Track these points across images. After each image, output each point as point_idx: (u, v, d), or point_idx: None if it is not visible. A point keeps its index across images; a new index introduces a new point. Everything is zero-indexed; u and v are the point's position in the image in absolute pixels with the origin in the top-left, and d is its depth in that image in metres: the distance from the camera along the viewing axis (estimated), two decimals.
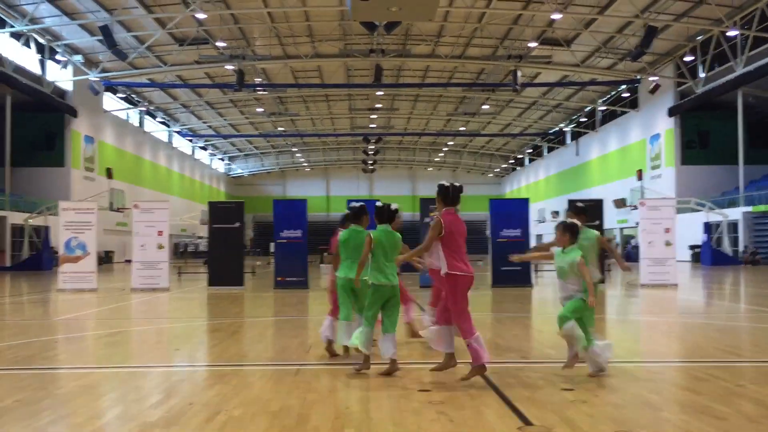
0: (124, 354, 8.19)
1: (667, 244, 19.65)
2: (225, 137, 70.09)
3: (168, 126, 62.43)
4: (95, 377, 6.65)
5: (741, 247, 38.24)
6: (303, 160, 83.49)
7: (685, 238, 36.92)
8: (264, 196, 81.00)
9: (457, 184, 6.48)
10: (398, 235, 6.77)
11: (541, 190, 72.98)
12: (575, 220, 6.62)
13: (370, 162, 77.06)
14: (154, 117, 59.66)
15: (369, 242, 6.54)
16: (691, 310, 13.94)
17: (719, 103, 42.16)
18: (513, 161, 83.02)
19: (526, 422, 4.76)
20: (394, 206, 6.75)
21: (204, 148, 75.76)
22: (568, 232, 6.47)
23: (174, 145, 65.85)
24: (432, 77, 50.21)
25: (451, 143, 76.47)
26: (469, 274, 6.18)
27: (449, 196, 6.40)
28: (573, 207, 7.54)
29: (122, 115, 53.47)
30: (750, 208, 38.53)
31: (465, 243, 6.37)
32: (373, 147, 70.36)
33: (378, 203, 6.87)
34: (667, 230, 19.68)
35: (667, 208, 20.16)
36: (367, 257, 6.58)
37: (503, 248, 18.51)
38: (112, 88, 49.28)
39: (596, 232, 7.03)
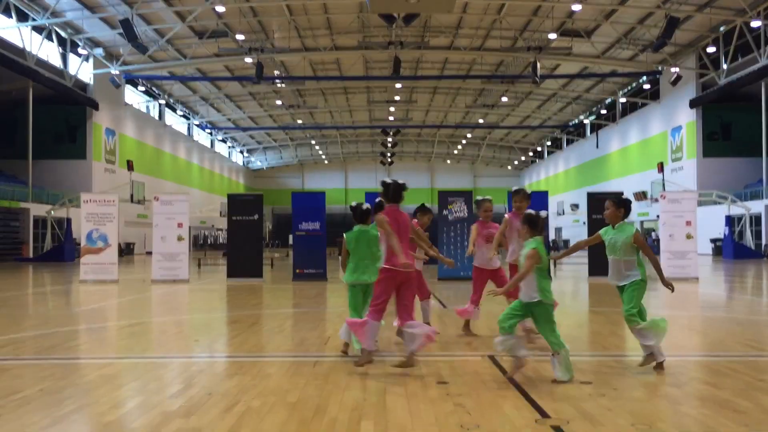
0: (145, 345, 8.28)
1: (688, 237, 19.46)
2: (244, 130, 70.38)
3: (188, 119, 62.79)
4: (116, 367, 6.73)
5: (764, 241, 37.79)
6: (321, 152, 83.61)
7: (706, 231, 36.56)
8: (283, 189, 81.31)
9: (400, 181, 6.41)
10: (374, 232, 6.68)
11: (561, 182, 72.55)
12: (623, 198, 6.37)
13: (388, 154, 76.99)
14: (174, 110, 60.03)
15: (343, 245, 6.84)
16: (712, 303, 13.80)
17: (742, 95, 41.63)
18: (532, 154, 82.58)
19: (544, 415, 4.75)
20: (365, 206, 6.78)
21: (223, 141, 76.09)
22: (623, 207, 6.27)
23: (194, 138, 66.22)
24: (450, 69, 50.04)
25: (470, 136, 76.20)
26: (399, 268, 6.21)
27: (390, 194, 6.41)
28: (615, 197, 6.66)
29: (143, 107, 53.86)
30: None
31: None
32: (391, 139, 70.29)
33: (352, 203, 6.94)
34: (688, 223, 19.48)
35: (689, 201, 19.95)
36: (345, 259, 6.84)
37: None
38: (132, 81, 49.67)
39: (634, 227, 6.44)
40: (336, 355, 7.15)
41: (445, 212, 19.81)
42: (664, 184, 41.83)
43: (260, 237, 20.09)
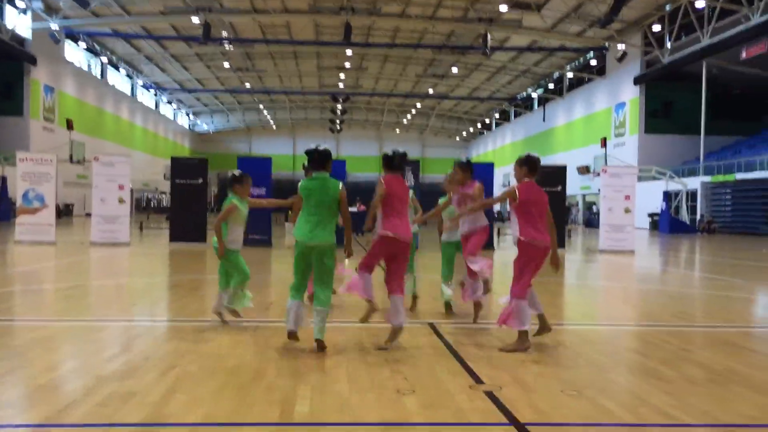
0: (82, 308, 8.12)
1: (627, 211, 19.99)
2: (190, 92, 68.86)
3: (131, 78, 61.05)
4: (51, 330, 6.59)
5: (698, 216, 39.11)
6: (270, 117, 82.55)
7: (644, 205, 37.60)
8: (229, 153, 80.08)
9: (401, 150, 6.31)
10: (335, 184, 5.84)
11: (508, 154, 73.41)
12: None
13: (337, 121, 76.52)
14: (117, 69, 58.24)
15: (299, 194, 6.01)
16: (646, 276, 14.27)
17: (684, 74, 42.65)
18: (480, 125, 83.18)
19: (478, 381, 4.86)
20: (323, 147, 6.01)
21: (168, 103, 74.38)
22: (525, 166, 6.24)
23: (137, 99, 64.52)
24: (402, 38, 49.76)
25: (419, 105, 76.21)
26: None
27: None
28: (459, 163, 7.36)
29: (84, 65, 52.08)
30: (709, 178, 39.32)
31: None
32: (340, 106, 69.82)
33: (234, 172, 6.93)
34: (627, 197, 20.00)
35: (629, 176, 20.45)
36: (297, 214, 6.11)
37: None
38: (73, 37, 47.85)
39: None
40: (278, 321, 7.15)
41: None
42: (606, 159, 42.74)
43: (204, 201, 19.83)
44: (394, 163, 6.25)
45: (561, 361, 5.60)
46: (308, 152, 5.89)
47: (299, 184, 5.94)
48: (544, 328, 6.24)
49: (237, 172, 7.07)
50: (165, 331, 6.88)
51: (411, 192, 6.73)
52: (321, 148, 5.91)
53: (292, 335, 5.80)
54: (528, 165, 6.26)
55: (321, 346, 5.72)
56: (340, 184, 5.84)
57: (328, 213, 5.77)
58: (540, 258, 6.02)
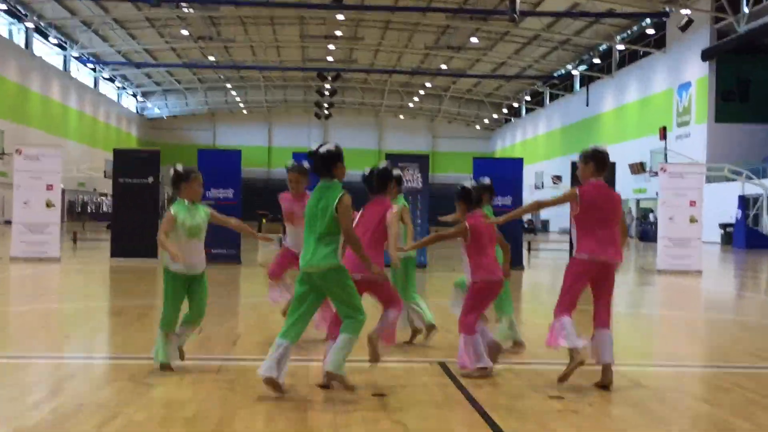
0: (0, 341, 8.16)
1: (692, 220, 20.00)
2: (138, 66, 68.91)
3: (64, 49, 61.13)
4: None
5: None
6: (239, 99, 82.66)
7: (715, 214, 37.58)
8: (187, 144, 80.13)
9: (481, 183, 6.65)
10: (204, 209, 6.64)
11: (541, 148, 73.48)
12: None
13: (325, 105, 76.62)
14: (45, 36, 58.36)
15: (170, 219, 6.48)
16: (717, 303, 14.28)
17: (766, 47, 42.68)
18: (506, 111, 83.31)
19: None
20: (181, 168, 6.61)
21: (111, 80, 74.43)
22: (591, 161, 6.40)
23: (71, 75, 64.60)
24: None
25: (429, 85, 76.35)
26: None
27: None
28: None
29: (4, 31, 52.18)
30: None
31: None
32: (329, 86, 69.91)
33: (176, 167, 6.71)
34: (693, 203, 20.02)
35: (694, 176, 20.48)
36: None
37: None
38: None
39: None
40: (247, 358, 7.16)
41: None
42: (666, 154, 42.81)
43: (156, 205, 19.83)
44: (372, 184, 6.59)
45: (606, 411, 5.62)
46: (309, 155, 5.95)
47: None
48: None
49: (179, 166, 6.73)
50: (105, 370, 6.89)
51: (398, 203, 7.02)
52: (323, 149, 5.92)
53: (270, 383, 5.72)
54: (595, 161, 6.38)
55: (327, 382, 5.93)
56: (341, 193, 5.79)
57: (326, 230, 5.78)
58: (593, 274, 6.31)
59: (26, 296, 12.52)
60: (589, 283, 6.41)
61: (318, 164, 5.89)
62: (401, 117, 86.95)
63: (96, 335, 8.85)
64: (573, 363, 6.18)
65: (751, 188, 39.68)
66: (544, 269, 21.26)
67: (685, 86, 47.70)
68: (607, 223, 6.28)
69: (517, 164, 20.75)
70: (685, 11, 41.94)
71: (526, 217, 50.88)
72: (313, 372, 6.51)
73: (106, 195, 65.36)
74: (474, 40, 56.96)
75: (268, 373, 5.66)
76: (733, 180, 40.16)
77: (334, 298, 5.89)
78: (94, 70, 69.39)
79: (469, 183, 6.94)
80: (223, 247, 18.85)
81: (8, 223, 38.42)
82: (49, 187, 19.11)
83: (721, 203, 39.14)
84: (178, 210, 6.56)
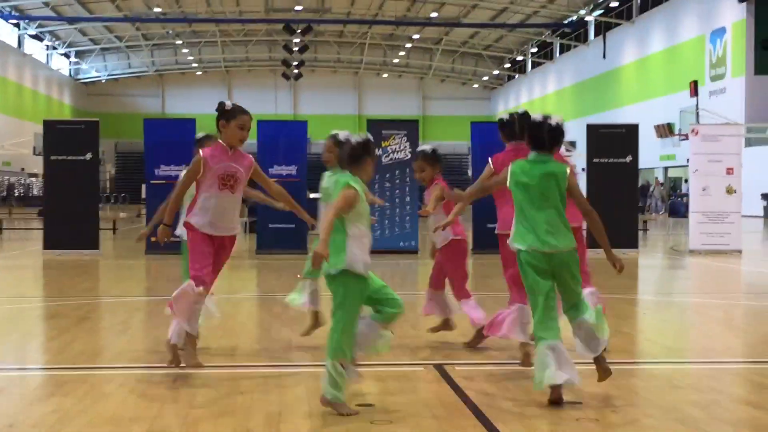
0: None
1: (729, 191, 20.05)
2: (71, 21, 68.36)
3: None
4: None
5: None
6: (192, 59, 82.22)
7: (756, 183, 37.73)
8: (131, 113, 79.80)
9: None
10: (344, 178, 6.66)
11: (551, 108, 73.33)
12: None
13: (294, 63, 76.30)
14: None
15: None
16: (759, 288, 14.35)
17: None
18: (509, 66, 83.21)
19: None
20: (229, 103, 6.85)
21: (38, 38, 73.84)
22: (527, 135, 6.38)
23: None
24: None
25: (417, 37, 76.09)
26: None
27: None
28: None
29: None
30: None
31: None
32: (299, 40, 69.56)
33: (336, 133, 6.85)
34: (730, 171, 20.06)
35: (732, 139, 20.52)
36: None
37: (491, 195, 18.63)
38: None
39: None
40: (209, 366, 7.16)
41: (377, 152, 19.80)
42: (698, 114, 42.82)
43: (96, 186, 19.73)
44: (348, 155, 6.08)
45: (633, 416, 5.64)
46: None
47: None
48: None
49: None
50: (39, 383, 6.87)
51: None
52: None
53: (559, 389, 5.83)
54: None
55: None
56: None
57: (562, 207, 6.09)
58: None
59: None
60: None
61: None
62: (384, 76, 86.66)
63: (28, 342, 8.82)
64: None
65: None
66: None
67: (719, 32, 47.69)
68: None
69: None
70: None
71: None
72: (311, 379, 6.48)
73: (36, 176, 65.06)
74: None
75: (561, 380, 5.73)
76: None
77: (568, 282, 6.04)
78: (17, 26, 68.76)
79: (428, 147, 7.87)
80: (175, 234, 18.80)
81: None
82: None
83: (764, 170, 39.27)
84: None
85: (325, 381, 5.52)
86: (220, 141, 6.81)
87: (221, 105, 6.79)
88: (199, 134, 6.98)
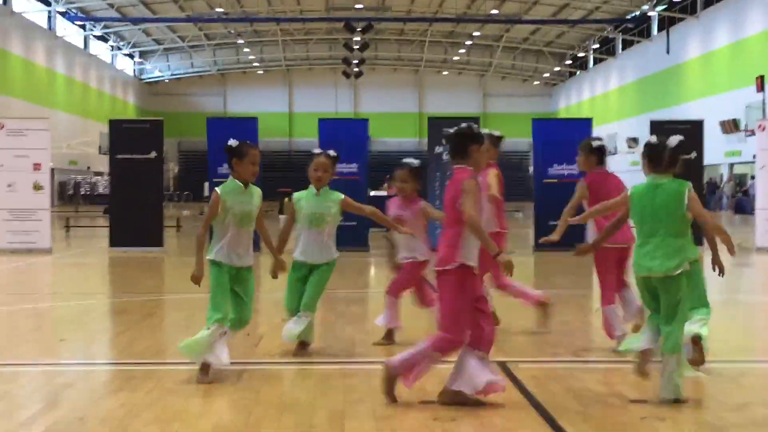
0: None
1: None
2: (135, 22, 69.12)
3: (48, 4, 61.48)
4: None
5: None
6: (253, 58, 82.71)
7: None
8: (194, 112, 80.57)
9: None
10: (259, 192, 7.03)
11: (613, 106, 72.79)
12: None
13: (354, 62, 76.52)
14: None
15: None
16: None
17: None
18: (571, 62, 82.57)
19: None
20: (234, 142, 6.94)
21: (103, 39, 74.75)
22: (646, 157, 6.26)
23: (57, 33, 65.01)
24: None
25: (478, 34, 75.80)
26: None
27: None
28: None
29: None
30: None
31: None
32: (359, 39, 69.69)
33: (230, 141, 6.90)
34: None
35: None
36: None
37: (553, 192, 18.54)
38: None
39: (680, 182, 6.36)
40: (272, 362, 7.22)
41: (438, 149, 19.80)
42: (765, 109, 42.20)
43: (160, 185, 19.94)
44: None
45: (700, 417, 5.59)
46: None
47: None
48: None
49: (234, 141, 6.92)
50: (108, 377, 6.99)
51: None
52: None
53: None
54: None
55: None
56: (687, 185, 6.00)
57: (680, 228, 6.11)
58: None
59: (14, 294, 12.66)
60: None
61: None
62: (445, 73, 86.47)
63: (96, 338, 8.95)
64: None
65: None
66: None
67: None
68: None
69: (584, 125, 20.57)
70: None
71: None
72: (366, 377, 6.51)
73: (102, 174, 65.84)
74: None
75: None
76: None
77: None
78: (83, 27, 69.62)
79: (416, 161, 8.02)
80: None
81: None
82: (37, 167, 19.25)
83: None
84: (227, 192, 6.68)
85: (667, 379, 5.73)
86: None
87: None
88: (233, 142, 6.84)
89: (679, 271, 5.86)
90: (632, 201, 6.10)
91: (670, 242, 5.91)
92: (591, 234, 8.20)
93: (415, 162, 8.14)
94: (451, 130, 6.38)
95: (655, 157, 6.08)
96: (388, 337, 8.13)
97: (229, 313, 6.69)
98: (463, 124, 6.44)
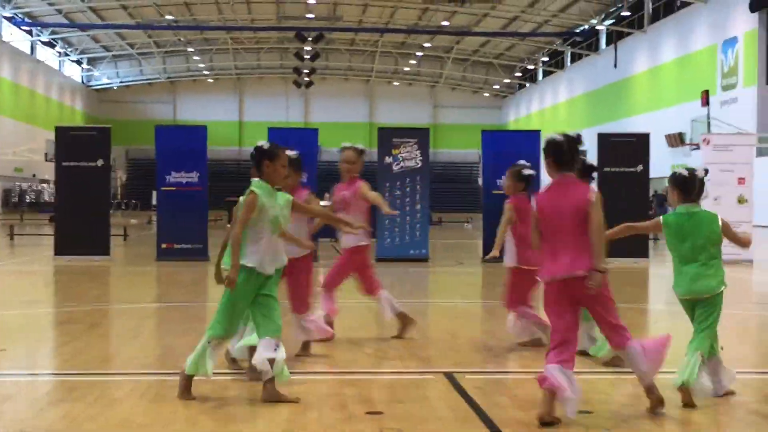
0: None
1: (741, 201, 20.00)
2: (83, 28, 68.56)
3: None
4: None
5: None
6: (203, 66, 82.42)
7: None
8: (143, 120, 80.00)
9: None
10: (285, 196, 6.76)
11: (562, 118, 73.44)
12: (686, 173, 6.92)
13: (305, 71, 76.50)
14: None
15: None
16: None
17: None
18: (520, 75, 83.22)
19: None
20: (266, 144, 6.70)
21: (51, 45, 74.11)
22: (677, 188, 6.81)
23: (3, 39, 64.35)
24: None
25: (429, 45, 76.18)
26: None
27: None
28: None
29: None
30: None
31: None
32: (310, 48, 69.71)
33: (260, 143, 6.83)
34: (742, 181, 20.01)
35: (744, 149, 20.46)
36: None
37: (502, 204, 18.58)
38: None
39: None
40: (222, 371, 7.17)
41: (388, 159, 19.83)
42: (709, 123, 42.74)
43: (107, 193, 19.78)
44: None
45: (645, 429, 5.62)
46: None
47: None
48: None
49: (265, 143, 6.68)
50: (50, 388, 6.88)
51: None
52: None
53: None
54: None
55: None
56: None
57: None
58: None
59: None
60: None
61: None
62: (396, 84, 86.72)
63: (39, 348, 8.83)
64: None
65: None
66: None
67: (731, 42, 47.61)
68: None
69: (533, 137, 20.69)
70: None
71: None
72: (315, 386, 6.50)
73: (48, 182, 65.19)
74: None
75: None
76: None
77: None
78: (30, 33, 68.99)
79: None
80: (187, 241, 18.81)
81: None
82: None
83: None
84: (262, 193, 6.44)
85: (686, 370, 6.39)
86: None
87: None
88: (264, 143, 6.59)
89: (721, 289, 6.63)
90: (668, 229, 6.69)
91: (712, 264, 6.64)
92: (510, 251, 8.64)
93: (293, 153, 7.66)
94: (560, 137, 6.34)
95: (687, 188, 6.78)
96: (305, 348, 7.93)
97: (231, 331, 6.58)
98: (571, 132, 6.47)
